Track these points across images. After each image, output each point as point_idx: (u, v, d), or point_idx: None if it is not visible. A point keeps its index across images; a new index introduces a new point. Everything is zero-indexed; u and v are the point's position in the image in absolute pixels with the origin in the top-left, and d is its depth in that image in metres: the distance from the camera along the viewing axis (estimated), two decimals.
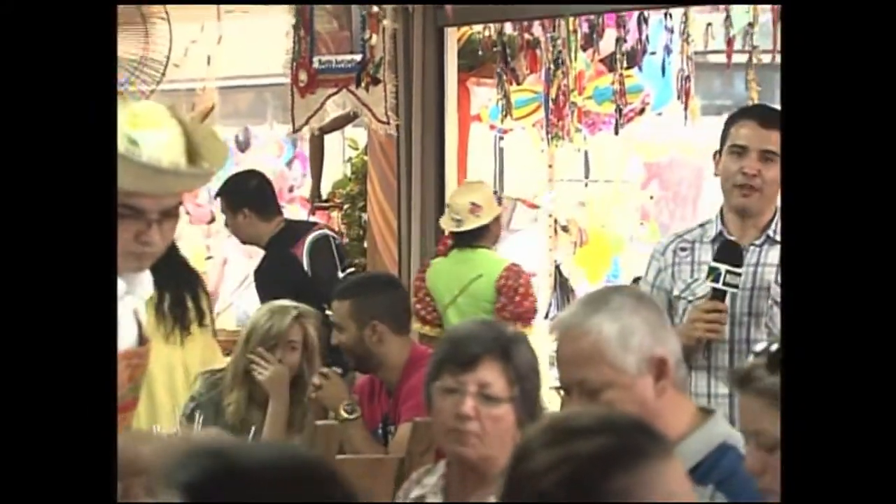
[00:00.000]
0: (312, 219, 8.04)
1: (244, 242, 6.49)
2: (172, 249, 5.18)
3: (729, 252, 3.94)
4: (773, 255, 4.01)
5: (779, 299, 3.98)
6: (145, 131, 2.94)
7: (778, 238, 4.02)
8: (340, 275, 6.06)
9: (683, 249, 4.13)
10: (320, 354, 5.02)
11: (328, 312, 5.57)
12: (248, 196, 6.14)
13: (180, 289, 5.57)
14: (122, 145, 2.87)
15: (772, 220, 4.04)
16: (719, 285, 3.88)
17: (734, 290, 3.90)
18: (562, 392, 3.27)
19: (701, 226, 4.20)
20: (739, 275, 3.90)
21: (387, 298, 4.88)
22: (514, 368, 3.12)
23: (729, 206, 4.07)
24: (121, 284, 2.97)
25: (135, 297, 3.13)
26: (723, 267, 3.88)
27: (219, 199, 6.45)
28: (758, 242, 4.03)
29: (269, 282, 5.99)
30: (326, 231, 6.40)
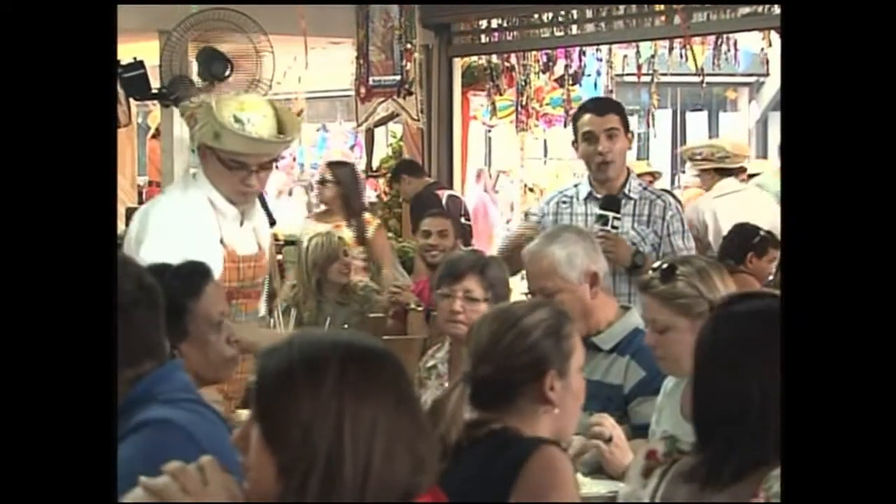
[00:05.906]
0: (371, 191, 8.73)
1: (406, 200, 7.50)
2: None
3: (612, 203, 4.18)
4: (629, 207, 4.23)
5: (636, 240, 4.18)
6: (250, 112, 3.27)
7: (632, 195, 4.24)
8: (463, 220, 7.04)
9: (564, 202, 4.33)
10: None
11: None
12: (403, 168, 7.57)
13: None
14: (228, 121, 3.16)
15: (625, 182, 4.25)
16: (608, 228, 4.13)
17: (616, 231, 4.10)
18: (529, 296, 3.49)
19: (575, 186, 4.41)
20: (619, 219, 4.15)
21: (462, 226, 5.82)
22: (487, 280, 3.44)
23: (594, 177, 4.30)
24: (235, 212, 3.37)
25: (251, 221, 3.53)
26: (609, 214, 4.12)
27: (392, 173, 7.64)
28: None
29: (419, 210, 6.74)
30: (458, 194, 7.43)
